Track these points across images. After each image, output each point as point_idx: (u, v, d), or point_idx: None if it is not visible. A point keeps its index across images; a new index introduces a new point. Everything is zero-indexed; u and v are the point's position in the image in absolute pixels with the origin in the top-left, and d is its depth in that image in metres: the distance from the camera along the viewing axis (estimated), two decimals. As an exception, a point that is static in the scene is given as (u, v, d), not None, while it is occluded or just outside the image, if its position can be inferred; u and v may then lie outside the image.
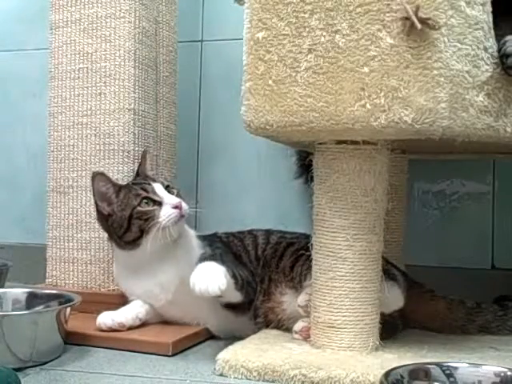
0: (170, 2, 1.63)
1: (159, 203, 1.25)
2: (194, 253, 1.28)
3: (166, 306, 1.30)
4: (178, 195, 1.29)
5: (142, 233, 1.24)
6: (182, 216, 1.24)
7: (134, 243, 1.26)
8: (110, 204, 1.28)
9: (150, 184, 1.28)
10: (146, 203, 1.25)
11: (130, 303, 1.32)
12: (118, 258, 1.34)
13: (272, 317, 1.30)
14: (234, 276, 1.20)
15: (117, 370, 1.10)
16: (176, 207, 1.24)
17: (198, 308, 1.28)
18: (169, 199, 1.25)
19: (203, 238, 1.34)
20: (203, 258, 1.24)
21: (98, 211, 1.30)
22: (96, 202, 1.30)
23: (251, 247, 1.37)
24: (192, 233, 1.35)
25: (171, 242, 1.25)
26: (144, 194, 1.26)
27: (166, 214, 1.23)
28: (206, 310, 1.27)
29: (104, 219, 1.30)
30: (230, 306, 1.26)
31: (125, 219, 1.25)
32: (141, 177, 1.35)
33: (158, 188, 1.27)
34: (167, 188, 1.29)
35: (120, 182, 1.36)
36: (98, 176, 1.28)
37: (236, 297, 1.23)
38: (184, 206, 1.25)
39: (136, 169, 1.40)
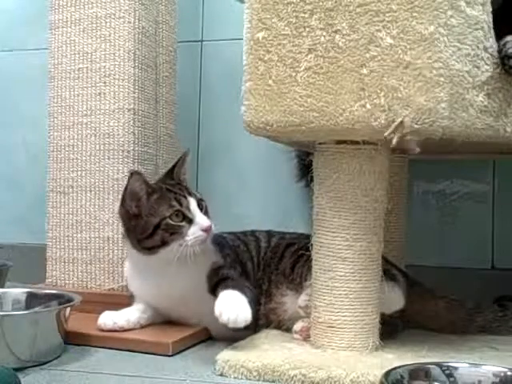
0: (169, 2, 1.63)
1: (190, 220, 1.21)
2: (206, 260, 1.28)
3: (171, 307, 1.29)
4: (206, 210, 1.26)
5: (163, 243, 1.21)
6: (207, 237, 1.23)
7: (151, 250, 1.23)
8: (139, 205, 1.23)
9: (185, 197, 1.23)
10: (177, 216, 1.21)
11: (134, 305, 1.31)
12: (130, 257, 1.32)
13: (273, 317, 1.30)
14: (249, 303, 1.17)
15: (117, 370, 1.10)
16: (205, 230, 1.21)
17: (202, 311, 1.27)
18: (200, 219, 1.22)
19: (213, 243, 1.30)
20: (215, 268, 1.26)
21: (124, 208, 1.25)
22: (124, 199, 1.25)
23: (255, 252, 1.37)
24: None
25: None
26: (177, 207, 1.21)
27: (194, 234, 1.20)
28: (209, 313, 1.26)
29: (127, 217, 1.25)
30: None
31: (150, 226, 1.21)
32: (175, 180, 1.29)
33: (193, 204, 1.23)
34: (199, 202, 1.25)
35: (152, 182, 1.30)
36: (135, 175, 1.23)
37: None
38: (212, 227, 1.22)
39: (171, 166, 1.34)
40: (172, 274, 1.25)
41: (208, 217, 1.25)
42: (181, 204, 1.22)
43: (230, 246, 1.37)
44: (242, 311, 1.11)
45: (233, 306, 1.12)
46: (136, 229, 1.24)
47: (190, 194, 1.25)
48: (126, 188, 1.25)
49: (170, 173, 1.32)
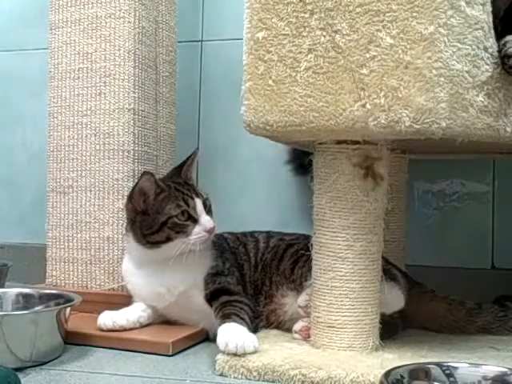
0: (169, 2, 1.63)
1: (195, 220, 1.25)
2: (205, 263, 1.29)
3: (169, 307, 1.30)
4: (209, 209, 1.29)
5: (167, 239, 1.24)
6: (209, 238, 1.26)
7: (154, 244, 1.26)
8: (147, 203, 1.26)
9: (192, 198, 1.27)
10: (183, 215, 1.25)
11: (133, 304, 1.32)
12: (131, 251, 1.33)
13: (273, 318, 1.31)
14: (248, 328, 1.17)
15: (117, 370, 1.10)
16: (208, 231, 1.25)
17: (199, 313, 1.28)
18: (205, 221, 1.25)
19: (214, 245, 1.33)
20: (213, 273, 1.28)
21: (131, 203, 1.28)
22: (132, 195, 1.28)
23: (253, 253, 1.38)
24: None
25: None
26: (184, 207, 1.25)
27: (198, 234, 1.24)
28: (207, 316, 1.27)
29: (134, 213, 1.28)
30: None
31: (157, 223, 1.24)
32: (182, 178, 1.33)
33: (199, 205, 1.27)
34: (205, 201, 1.29)
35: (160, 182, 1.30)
36: (146, 175, 1.26)
37: None
38: (215, 229, 1.26)
39: (180, 164, 1.37)
40: (169, 271, 1.26)
41: (211, 216, 1.29)
42: (188, 205, 1.26)
43: (230, 247, 1.38)
44: (248, 337, 1.12)
45: (237, 335, 1.12)
46: (142, 224, 1.27)
47: (197, 195, 1.29)
48: (135, 185, 1.28)
49: (179, 170, 1.36)
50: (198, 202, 1.27)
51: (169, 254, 1.24)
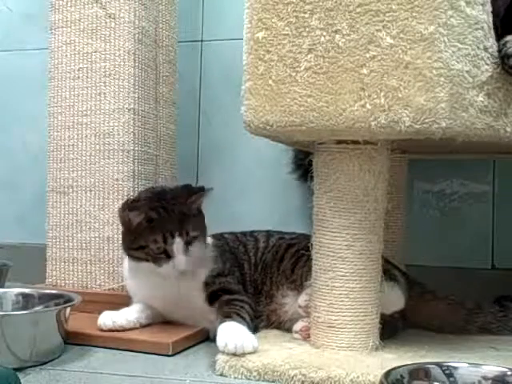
0: (169, 2, 1.63)
1: (169, 256, 1.23)
2: (204, 268, 1.29)
3: (169, 308, 1.30)
4: (195, 245, 1.26)
5: (144, 259, 1.25)
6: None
7: (136, 259, 1.27)
8: (136, 223, 1.24)
9: (173, 237, 1.23)
10: (158, 249, 1.23)
11: (133, 305, 1.32)
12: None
13: (274, 318, 1.31)
14: (249, 327, 1.18)
15: (117, 370, 1.10)
16: (179, 271, 1.24)
17: (199, 313, 1.28)
18: (178, 261, 1.23)
19: (214, 246, 1.33)
20: (214, 275, 1.28)
21: (123, 217, 1.27)
22: (123, 210, 1.26)
23: (252, 253, 1.38)
24: (207, 242, 1.33)
25: None
26: (160, 244, 1.23)
27: (167, 270, 1.24)
28: (207, 316, 1.27)
29: (123, 225, 1.28)
30: None
31: (137, 243, 1.25)
32: (182, 208, 1.26)
33: (178, 245, 1.23)
34: (188, 241, 1.24)
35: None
36: (136, 211, 1.24)
37: None
38: (188, 269, 1.24)
39: (191, 188, 1.31)
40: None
41: (190, 253, 1.24)
42: (165, 242, 1.23)
43: (229, 247, 1.38)
44: (247, 337, 1.12)
45: (236, 335, 1.12)
46: (126, 237, 1.28)
47: (181, 234, 1.24)
48: (142, 196, 1.29)
49: (185, 196, 1.28)
50: (179, 242, 1.23)
51: (149, 268, 1.25)
